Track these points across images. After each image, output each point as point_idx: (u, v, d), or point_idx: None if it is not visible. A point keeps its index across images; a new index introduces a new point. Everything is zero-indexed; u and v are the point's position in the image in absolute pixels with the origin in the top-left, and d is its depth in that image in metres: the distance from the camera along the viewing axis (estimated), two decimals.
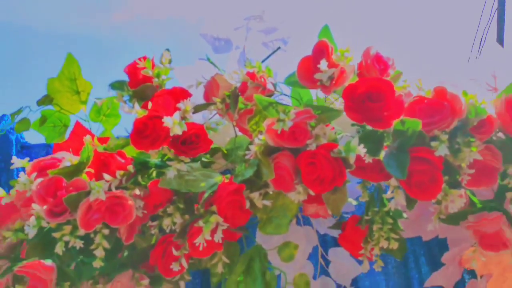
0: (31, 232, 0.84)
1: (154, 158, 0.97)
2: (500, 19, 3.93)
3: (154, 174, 0.97)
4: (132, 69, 0.95)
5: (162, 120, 0.82)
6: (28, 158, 0.94)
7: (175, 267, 0.86)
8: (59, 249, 0.86)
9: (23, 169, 1.00)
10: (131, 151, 0.99)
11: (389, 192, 0.86)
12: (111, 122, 1.16)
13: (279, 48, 1.17)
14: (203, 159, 1.00)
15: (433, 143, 0.82)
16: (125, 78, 1.02)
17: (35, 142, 1.67)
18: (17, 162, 0.94)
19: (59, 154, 0.97)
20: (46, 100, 1.09)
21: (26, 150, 1.48)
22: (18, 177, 1.21)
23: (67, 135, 1.19)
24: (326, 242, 1.21)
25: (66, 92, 1.11)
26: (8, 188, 1.03)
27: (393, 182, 0.84)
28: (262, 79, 0.97)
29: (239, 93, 0.98)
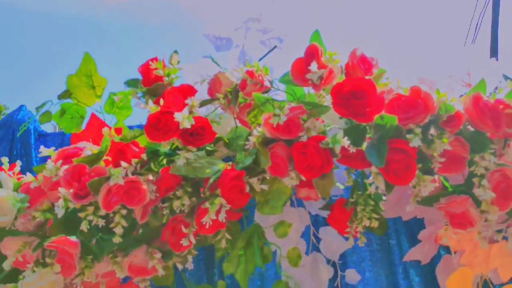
0: (60, 212, 0.97)
1: (164, 147, 1.09)
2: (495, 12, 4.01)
3: (164, 161, 1.09)
4: (145, 69, 1.07)
5: (173, 115, 0.94)
6: (53, 148, 1.06)
7: (184, 242, 0.99)
8: (84, 226, 0.99)
9: (41, 161, 1.13)
10: (143, 141, 1.11)
11: (370, 178, 0.98)
12: (124, 114, 1.28)
13: (275, 47, 1.28)
14: (207, 148, 1.12)
15: (408, 136, 0.94)
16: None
17: (50, 131, 1.80)
18: (44, 151, 1.06)
19: (80, 144, 1.09)
20: (65, 94, 1.20)
21: (42, 138, 1.59)
22: (36, 163, 1.33)
23: (83, 126, 1.30)
24: (317, 222, 1.33)
25: (83, 87, 1.23)
26: (27, 173, 1.15)
27: (373, 169, 0.96)
28: (260, 77, 1.08)
29: (239, 89, 1.09)
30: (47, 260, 1.01)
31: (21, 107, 1.61)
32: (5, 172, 1.15)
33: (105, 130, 1.06)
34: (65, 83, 1.19)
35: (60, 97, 1.20)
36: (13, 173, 1.17)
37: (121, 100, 1.25)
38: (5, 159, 1.16)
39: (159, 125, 0.97)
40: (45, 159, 1.17)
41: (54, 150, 1.06)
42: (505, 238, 1.14)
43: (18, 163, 1.18)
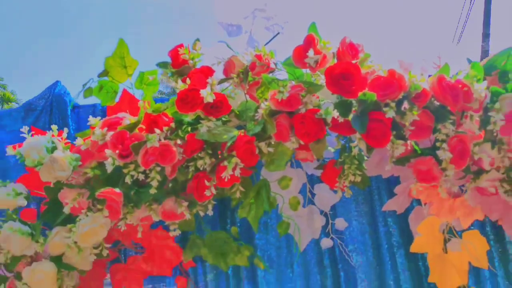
0: (109, 168, 1.21)
1: (188, 118, 1.33)
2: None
3: (188, 129, 1.33)
4: (174, 54, 1.30)
5: (199, 92, 1.18)
6: (99, 117, 1.30)
7: (207, 193, 1.24)
8: (128, 179, 1.24)
9: (73, 127, 1.37)
10: (170, 112, 1.35)
11: (355, 142, 1.23)
12: (151, 89, 1.51)
13: (278, 33, 1.50)
14: (223, 118, 1.36)
15: (385, 109, 1.18)
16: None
17: (82, 103, 2.03)
18: (92, 120, 1.29)
19: (120, 115, 1.33)
20: (103, 73, 1.43)
21: (76, 109, 1.82)
22: (73, 131, 1.58)
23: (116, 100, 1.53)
24: (312, 180, 1.58)
25: (117, 67, 1.45)
26: (78, 138, 1.38)
27: (357, 135, 1.20)
28: (266, 60, 1.31)
29: (250, 70, 1.32)
30: (98, 206, 1.27)
31: (56, 83, 1.83)
32: (54, 137, 1.39)
33: (140, 103, 1.30)
34: (103, 64, 1.42)
35: (99, 75, 1.42)
36: (62, 138, 1.41)
37: (148, 78, 1.48)
38: (54, 127, 1.40)
39: (187, 100, 1.21)
40: (80, 127, 1.41)
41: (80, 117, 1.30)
42: (464, 192, 1.40)
43: (66, 130, 1.42)
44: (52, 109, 1.74)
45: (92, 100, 1.60)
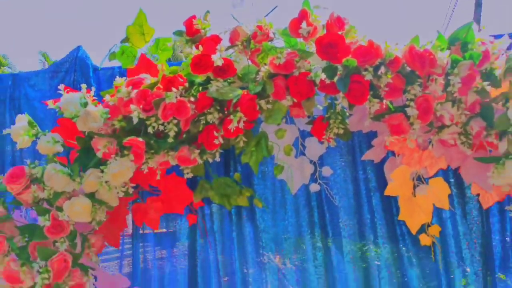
0: (135, 120, 1.45)
1: (200, 79, 1.56)
2: None
3: (200, 88, 1.57)
4: (189, 23, 1.52)
5: (211, 57, 1.41)
6: (124, 78, 1.53)
7: (216, 141, 1.49)
8: (150, 130, 1.48)
9: (95, 87, 1.60)
10: (184, 74, 1.58)
11: (339, 100, 1.48)
12: (165, 54, 1.73)
13: (276, 6, 1.72)
14: (229, 80, 1.60)
15: (364, 73, 1.42)
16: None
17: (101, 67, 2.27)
18: (118, 80, 1.52)
19: (142, 75, 1.55)
20: (125, 39, 1.65)
21: (97, 71, 2.04)
22: (96, 90, 1.80)
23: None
24: (304, 134, 1.83)
25: (136, 34, 1.67)
26: (107, 95, 1.62)
27: (341, 94, 1.45)
28: (266, 30, 1.54)
29: (252, 39, 1.55)
30: (125, 152, 1.51)
31: (78, 47, 2.04)
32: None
33: (159, 66, 1.53)
34: (125, 31, 1.64)
35: (122, 41, 1.64)
36: (90, 96, 1.64)
37: (163, 44, 1.71)
38: (84, 86, 1.62)
39: (200, 63, 1.44)
40: (100, 87, 1.64)
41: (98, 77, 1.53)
42: (430, 144, 1.66)
43: (93, 89, 1.65)
44: (75, 71, 1.96)
45: (108, 64, 1.82)
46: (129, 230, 2.03)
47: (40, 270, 1.45)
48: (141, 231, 2.01)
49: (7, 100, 1.91)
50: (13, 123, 1.67)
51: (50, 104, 1.53)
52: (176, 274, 1.79)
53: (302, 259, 1.79)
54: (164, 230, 1.97)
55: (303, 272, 1.80)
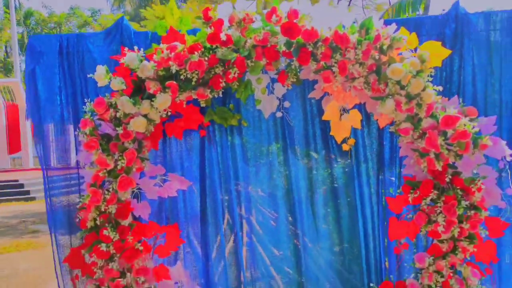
0: (174, 69, 2.43)
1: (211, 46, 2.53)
2: None
3: (211, 52, 2.54)
4: (205, 12, 2.47)
5: (219, 35, 2.38)
6: (161, 44, 2.49)
7: (221, 84, 2.49)
8: (182, 76, 2.47)
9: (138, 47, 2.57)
10: (201, 42, 2.54)
11: (294, 61, 2.49)
12: (186, 27, 2.68)
13: None
14: (228, 47, 2.57)
15: (308, 46, 2.42)
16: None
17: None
18: (161, 45, 2.48)
19: (175, 43, 2.51)
20: (161, 18, 2.58)
21: (137, 37, 2.93)
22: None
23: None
24: (273, 81, 2.82)
25: (168, 14, 2.61)
26: (154, 55, 2.58)
27: (295, 58, 2.46)
28: (252, 16, 2.50)
29: (243, 21, 2.51)
30: (166, 90, 2.50)
31: (122, 18, 2.91)
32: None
33: (186, 37, 2.49)
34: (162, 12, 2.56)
35: (159, 21, 2.58)
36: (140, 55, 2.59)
37: (186, 20, 2.65)
38: (136, 47, 2.57)
39: (214, 37, 2.40)
40: (139, 46, 2.61)
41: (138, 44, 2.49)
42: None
43: (142, 50, 2.59)
44: (122, 34, 2.86)
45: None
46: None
47: (119, 158, 2.48)
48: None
49: (75, 52, 2.84)
50: (80, 69, 2.65)
51: (120, 59, 2.48)
52: (193, 164, 2.88)
53: (271, 159, 2.89)
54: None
55: (271, 167, 2.91)
